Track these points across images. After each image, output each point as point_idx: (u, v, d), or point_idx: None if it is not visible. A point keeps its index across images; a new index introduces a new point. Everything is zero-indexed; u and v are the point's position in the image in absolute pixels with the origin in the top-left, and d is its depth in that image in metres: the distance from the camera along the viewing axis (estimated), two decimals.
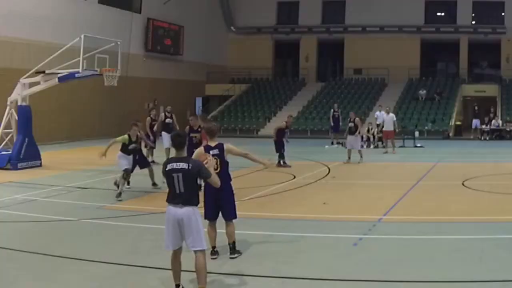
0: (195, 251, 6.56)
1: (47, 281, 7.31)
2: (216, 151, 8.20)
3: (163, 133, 19.74)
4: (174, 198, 6.51)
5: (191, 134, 13.56)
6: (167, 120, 19.88)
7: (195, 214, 6.51)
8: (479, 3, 40.06)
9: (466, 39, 40.69)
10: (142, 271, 7.67)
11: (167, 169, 6.56)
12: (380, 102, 35.10)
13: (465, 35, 40.64)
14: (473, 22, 40.80)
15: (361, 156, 20.20)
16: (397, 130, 25.35)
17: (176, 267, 6.68)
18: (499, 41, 39.95)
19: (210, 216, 8.33)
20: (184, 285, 6.84)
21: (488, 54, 41.60)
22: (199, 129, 13.65)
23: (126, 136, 13.46)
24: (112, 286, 7.24)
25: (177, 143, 6.72)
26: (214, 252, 8.29)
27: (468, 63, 41.18)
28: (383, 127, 25.62)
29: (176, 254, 6.64)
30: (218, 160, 8.16)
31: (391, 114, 25.26)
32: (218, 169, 8.09)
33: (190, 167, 6.50)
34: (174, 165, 6.52)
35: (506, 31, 39.25)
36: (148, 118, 19.77)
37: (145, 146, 18.99)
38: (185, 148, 6.87)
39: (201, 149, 8.33)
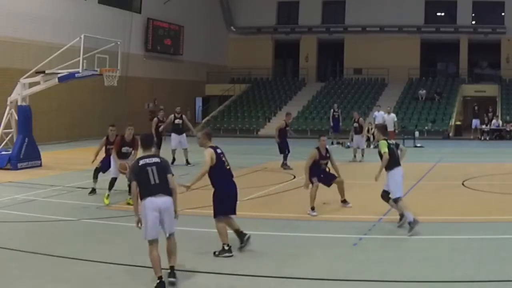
0: (170, 235, 7.13)
1: (47, 281, 7.31)
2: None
3: (172, 134, 19.50)
4: (151, 190, 6.97)
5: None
6: (177, 121, 19.67)
7: (171, 202, 7.12)
8: (479, 3, 40.05)
9: (466, 39, 40.70)
10: (142, 271, 7.66)
11: (140, 164, 7.13)
12: (380, 102, 35.10)
13: (465, 35, 40.65)
14: (473, 22, 40.80)
15: (362, 155, 20.54)
16: (396, 131, 25.36)
17: (158, 259, 6.96)
18: (499, 41, 39.95)
19: (229, 210, 8.50)
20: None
21: (488, 54, 41.60)
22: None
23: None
24: (112, 286, 7.24)
25: (146, 143, 7.44)
26: (230, 249, 8.32)
27: (468, 63, 41.18)
28: None
29: (156, 245, 7.00)
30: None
31: (392, 114, 25.31)
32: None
33: (161, 161, 7.22)
34: (147, 160, 7.14)
35: (506, 31, 39.26)
36: (155, 119, 19.55)
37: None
38: (153, 147, 7.48)
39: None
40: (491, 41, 40.03)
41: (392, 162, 10.01)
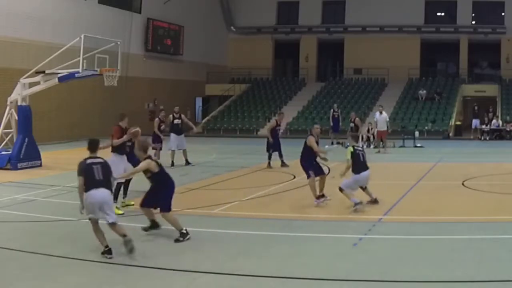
0: (112, 223, 8.41)
1: (47, 281, 7.31)
2: None
3: (172, 134, 19.20)
4: (95, 183, 8.32)
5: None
6: (176, 121, 19.41)
7: (110, 195, 8.50)
8: (479, 3, 40.05)
9: (466, 39, 40.70)
10: (142, 271, 7.67)
11: (87, 163, 8.46)
12: (380, 102, 35.07)
13: (465, 35, 40.66)
14: (473, 22, 40.81)
15: None
16: (389, 131, 25.34)
17: (101, 233, 8.41)
18: (499, 41, 39.95)
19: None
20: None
21: (488, 54, 41.60)
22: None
23: None
24: (112, 286, 7.24)
25: (92, 147, 8.73)
26: (187, 231, 9.30)
27: (468, 63, 41.18)
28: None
29: (97, 223, 8.46)
30: None
31: (384, 115, 25.26)
32: None
33: (104, 162, 8.60)
34: (94, 160, 8.52)
35: (506, 31, 39.27)
36: (157, 119, 19.18)
37: (153, 148, 18.51)
38: (97, 151, 8.74)
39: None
40: (491, 41, 40.02)
41: (359, 166, 11.67)
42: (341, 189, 11.56)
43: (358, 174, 11.62)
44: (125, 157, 12.06)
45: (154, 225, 9.65)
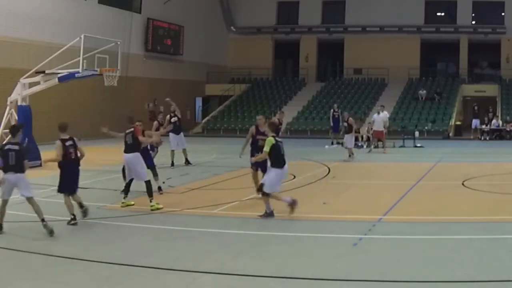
0: (30, 198, 9.69)
1: (47, 281, 7.31)
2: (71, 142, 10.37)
3: (171, 134, 18.83)
4: (9, 168, 9.43)
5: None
6: (173, 120, 19.06)
7: (23, 177, 9.57)
8: (479, 3, 40.06)
9: (466, 39, 40.71)
10: (142, 271, 7.66)
11: (5, 148, 9.55)
12: (380, 102, 35.08)
13: (465, 35, 40.67)
14: (473, 22, 40.82)
15: (350, 155, 20.90)
16: (386, 131, 25.29)
17: (4, 210, 9.67)
18: (499, 41, 39.96)
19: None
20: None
21: (488, 54, 41.61)
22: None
23: None
24: (112, 286, 7.23)
25: (13, 131, 9.85)
26: (75, 218, 10.41)
27: (468, 63, 41.18)
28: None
29: (6, 203, 9.69)
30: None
31: (382, 114, 25.25)
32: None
33: (20, 149, 9.54)
34: (11, 146, 9.56)
35: (506, 31, 39.28)
36: (155, 122, 19.02)
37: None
38: (18, 135, 9.77)
39: None
40: (491, 41, 40.03)
41: (276, 159, 10.76)
42: (265, 194, 10.64)
43: (280, 168, 10.74)
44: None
45: (81, 207, 10.58)
